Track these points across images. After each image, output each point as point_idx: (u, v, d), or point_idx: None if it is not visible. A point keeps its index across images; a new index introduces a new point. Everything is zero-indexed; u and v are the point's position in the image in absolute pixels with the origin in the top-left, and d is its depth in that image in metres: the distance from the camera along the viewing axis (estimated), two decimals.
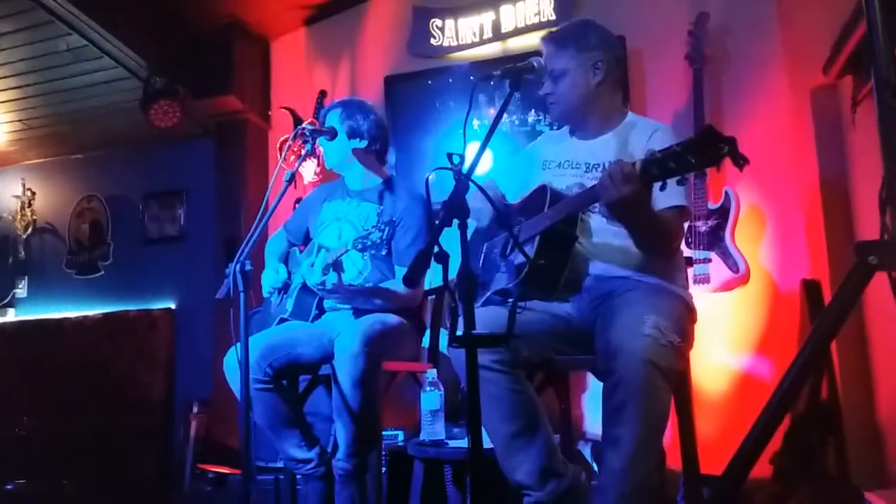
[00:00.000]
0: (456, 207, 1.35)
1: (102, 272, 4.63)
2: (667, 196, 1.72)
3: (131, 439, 3.97)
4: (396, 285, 2.44)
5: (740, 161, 1.33)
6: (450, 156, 1.41)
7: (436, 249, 1.29)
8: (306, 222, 2.73)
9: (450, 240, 1.35)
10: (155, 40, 3.78)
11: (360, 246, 2.17)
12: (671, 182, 1.48)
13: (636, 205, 1.61)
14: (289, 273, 2.59)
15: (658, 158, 1.46)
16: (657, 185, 1.50)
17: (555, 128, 2.41)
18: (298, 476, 2.45)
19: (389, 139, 2.73)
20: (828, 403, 2.35)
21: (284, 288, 2.59)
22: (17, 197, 4.83)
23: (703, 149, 1.36)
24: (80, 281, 4.67)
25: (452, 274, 1.38)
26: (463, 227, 1.35)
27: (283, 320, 2.55)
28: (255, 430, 2.24)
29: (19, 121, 4.46)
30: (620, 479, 1.59)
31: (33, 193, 4.85)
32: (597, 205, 1.91)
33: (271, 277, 2.58)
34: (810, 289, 2.60)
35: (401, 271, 2.47)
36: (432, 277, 2.69)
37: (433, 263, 1.40)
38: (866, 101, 2.38)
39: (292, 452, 2.35)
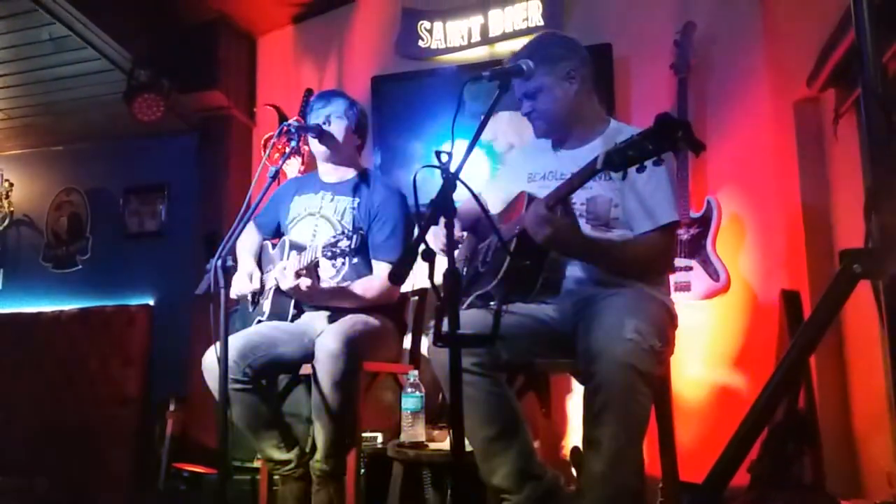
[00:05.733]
0: (443, 205, 1.34)
1: (80, 266, 4.56)
2: (648, 216, 1.80)
3: (106, 436, 3.90)
4: (372, 281, 2.42)
5: (696, 146, 1.37)
6: (438, 153, 1.40)
7: (423, 247, 1.28)
8: (277, 216, 2.69)
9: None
10: (140, 32, 3.74)
11: (328, 254, 2.15)
12: (656, 197, 1.50)
13: (566, 240, 1.71)
14: (262, 272, 2.56)
15: (619, 148, 1.51)
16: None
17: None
18: (275, 476, 2.42)
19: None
20: (805, 413, 2.37)
21: (258, 293, 2.55)
22: None
23: (660, 135, 1.42)
24: (56, 275, 4.60)
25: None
26: (450, 226, 1.35)
27: (260, 322, 2.52)
28: (233, 428, 2.21)
29: None
30: (601, 482, 1.60)
31: (11, 185, 4.78)
32: (584, 210, 1.91)
33: (244, 283, 2.52)
34: (789, 299, 2.62)
35: (378, 264, 2.46)
36: (415, 279, 2.67)
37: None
38: (848, 114, 2.41)
39: (271, 453, 2.33)
